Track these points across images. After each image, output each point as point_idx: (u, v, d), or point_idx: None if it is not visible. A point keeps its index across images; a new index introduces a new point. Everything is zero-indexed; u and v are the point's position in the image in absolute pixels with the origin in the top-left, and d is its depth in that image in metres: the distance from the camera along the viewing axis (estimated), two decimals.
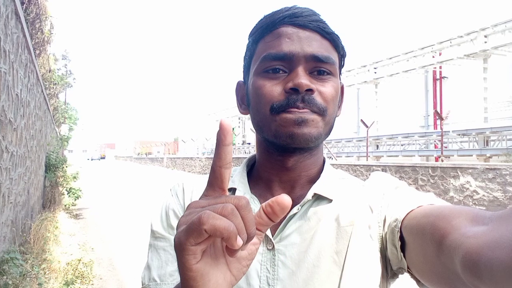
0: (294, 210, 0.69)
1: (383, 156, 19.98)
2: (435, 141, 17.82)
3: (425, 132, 19.61)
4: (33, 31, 8.03)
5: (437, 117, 18.81)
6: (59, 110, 15.76)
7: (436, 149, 17.30)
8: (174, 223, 0.74)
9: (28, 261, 3.59)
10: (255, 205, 0.72)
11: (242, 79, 0.80)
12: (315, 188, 0.70)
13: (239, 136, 41.61)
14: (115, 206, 12.10)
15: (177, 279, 0.68)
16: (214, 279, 0.43)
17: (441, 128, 15.03)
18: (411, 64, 21.29)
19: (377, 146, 21.35)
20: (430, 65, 20.20)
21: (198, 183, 0.80)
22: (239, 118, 42.14)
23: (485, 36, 17.16)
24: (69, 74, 17.66)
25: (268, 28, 0.70)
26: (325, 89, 0.68)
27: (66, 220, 8.44)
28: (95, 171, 34.58)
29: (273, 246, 0.68)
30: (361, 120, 16.91)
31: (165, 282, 0.68)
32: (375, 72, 23.55)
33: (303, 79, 0.65)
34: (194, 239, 0.39)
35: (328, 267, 0.65)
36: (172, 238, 0.72)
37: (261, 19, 0.72)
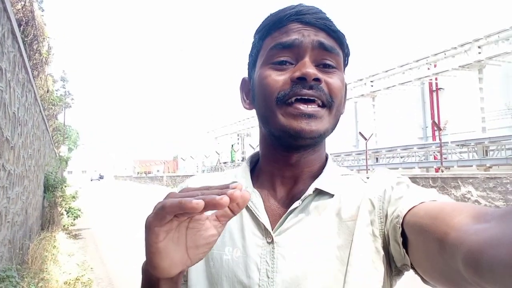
0: (295, 204, 0.69)
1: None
2: (434, 152, 17.82)
3: (424, 144, 19.64)
4: (31, 52, 8.11)
5: (435, 128, 18.87)
6: (58, 130, 15.79)
7: (436, 160, 17.28)
8: None
9: (25, 280, 3.53)
10: (257, 199, 0.73)
11: (247, 76, 0.81)
12: (317, 183, 0.70)
13: (238, 153, 41.62)
14: (115, 226, 11.99)
15: None
16: (171, 257, 0.49)
17: (440, 139, 15.06)
18: (407, 76, 21.45)
19: (377, 158, 21.33)
20: (425, 77, 20.36)
21: (203, 180, 0.82)
22: (238, 135, 42.24)
23: (479, 47, 17.34)
24: (67, 95, 17.77)
25: (275, 25, 0.71)
26: (332, 80, 0.68)
27: (65, 240, 8.34)
28: (94, 192, 34.39)
29: (272, 239, 0.68)
30: (360, 132, 16.98)
31: None
32: (372, 85, 23.70)
33: (310, 68, 0.65)
34: (159, 222, 0.46)
35: (329, 261, 0.65)
36: None
37: (267, 17, 0.74)
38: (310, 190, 0.69)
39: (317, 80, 0.66)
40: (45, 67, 10.13)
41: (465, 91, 19.47)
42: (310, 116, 0.65)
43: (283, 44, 0.68)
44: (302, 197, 0.69)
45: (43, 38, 9.17)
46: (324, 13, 0.71)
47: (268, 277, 0.65)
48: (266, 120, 0.71)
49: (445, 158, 16.47)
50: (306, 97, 0.66)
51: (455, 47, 18.44)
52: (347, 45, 0.74)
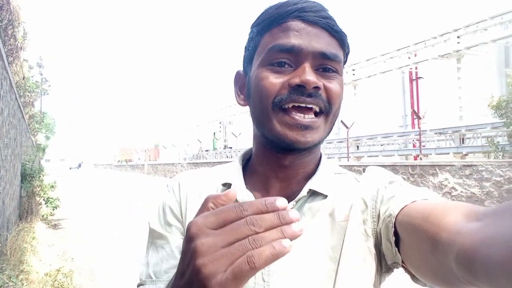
0: (289, 206, 0.68)
1: (363, 157, 20.25)
2: (413, 140, 18.18)
3: (404, 132, 20.02)
4: (6, 38, 7.82)
5: (414, 117, 19.21)
6: (34, 118, 15.38)
7: (415, 148, 17.63)
8: (171, 220, 0.74)
9: (4, 272, 3.46)
10: (250, 200, 0.71)
11: (242, 69, 0.78)
12: (310, 184, 0.70)
13: (221, 141, 41.49)
14: (94, 215, 11.86)
15: (171, 276, 0.68)
16: None
17: (419, 127, 15.34)
18: (388, 65, 21.71)
19: (358, 146, 21.63)
20: (406, 66, 20.66)
21: (193, 178, 0.79)
22: (220, 123, 42.07)
23: (458, 37, 17.64)
24: (44, 81, 17.26)
25: (275, 20, 0.68)
26: (331, 85, 0.67)
27: (44, 231, 8.20)
28: (73, 181, 33.84)
29: None
30: (341, 121, 17.10)
31: (160, 279, 0.69)
32: (354, 74, 23.90)
33: (310, 75, 0.63)
34: (243, 282, 0.37)
35: (323, 262, 0.65)
36: (168, 235, 0.72)
37: (267, 10, 0.70)
38: (304, 192, 0.69)
39: (316, 87, 0.64)
40: (20, 53, 9.79)
41: (444, 80, 19.84)
42: (306, 127, 0.64)
43: (282, 47, 0.65)
44: (296, 199, 0.69)
45: (18, 23, 8.84)
46: (327, 10, 0.68)
47: (264, 280, 0.65)
48: (260, 123, 0.70)
49: (424, 146, 16.82)
50: (303, 105, 0.65)
51: (435, 37, 18.71)
52: (348, 44, 0.72)
